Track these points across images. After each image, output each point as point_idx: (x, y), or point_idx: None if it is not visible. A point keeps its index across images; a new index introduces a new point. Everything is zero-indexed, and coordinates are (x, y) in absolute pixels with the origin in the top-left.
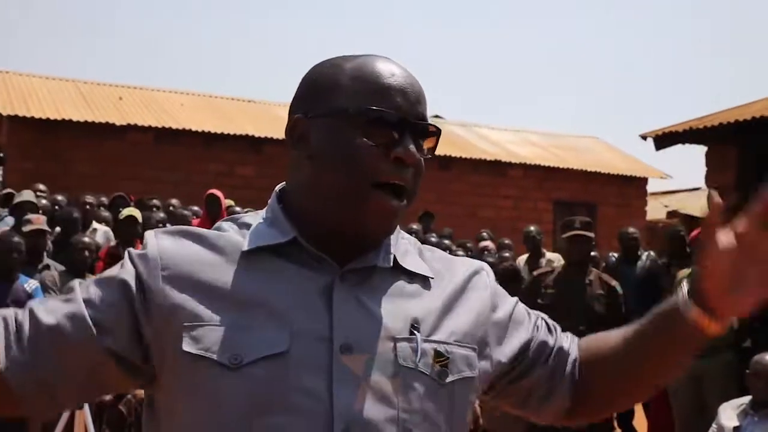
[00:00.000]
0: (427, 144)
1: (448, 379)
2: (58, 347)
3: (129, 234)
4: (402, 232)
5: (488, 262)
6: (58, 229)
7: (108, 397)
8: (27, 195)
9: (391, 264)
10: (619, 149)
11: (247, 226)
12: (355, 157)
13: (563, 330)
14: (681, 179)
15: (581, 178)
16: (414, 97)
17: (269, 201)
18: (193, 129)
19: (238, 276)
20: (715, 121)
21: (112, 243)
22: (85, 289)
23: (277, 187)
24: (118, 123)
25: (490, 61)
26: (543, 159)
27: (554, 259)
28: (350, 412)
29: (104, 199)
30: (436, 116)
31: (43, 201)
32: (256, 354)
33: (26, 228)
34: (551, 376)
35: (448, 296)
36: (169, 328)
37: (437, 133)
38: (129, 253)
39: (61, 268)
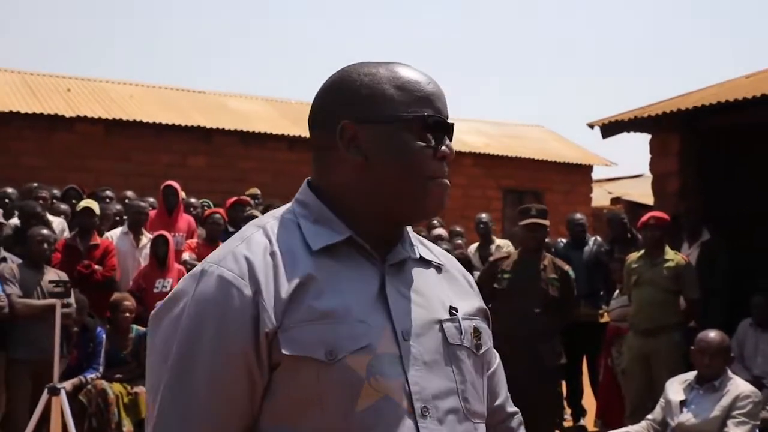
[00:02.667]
0: None
1: (481, 351)
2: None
3: (86, 225)
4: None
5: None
6: (12, 221)
7: (68, 388)
8: None
9: (418, 255)
10: (564, 138)
11: (295, 224)
12: (413, 159)
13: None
14: (624, 167)
15: (529, 166)
16: (444, 101)
17: (303, 198)
18: (144, 120)
19: (309, 276)
20: (658, 110)
21: (67, 234)
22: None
23: (306, 184)
24: (67, 115)
25: (441, 50)
26: (492, 148)
27: (503, 245)
28: (423, 392)
29: (56, 191)
30: None
31: None
32: (348, 348)
33: None
34: None
35: (459, 281)
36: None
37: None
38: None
39: (18, 260)
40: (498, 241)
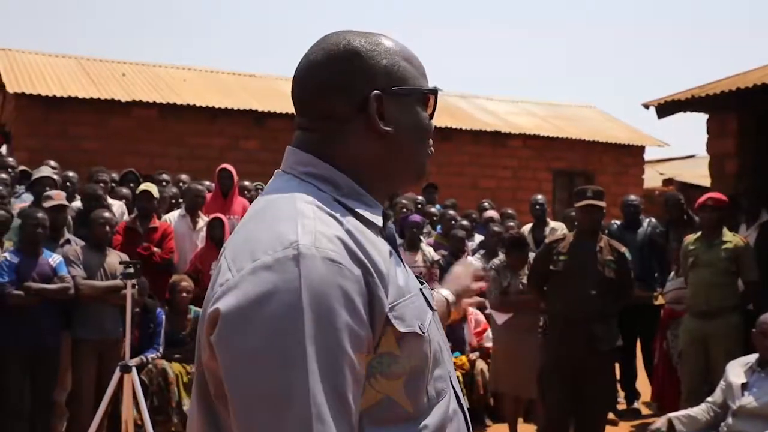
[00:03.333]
0: None
1: None
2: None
3: (146, 208)
4: None
5: (494, 231)
6: (75, 204)
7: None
8: (45, 170)
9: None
10: (616, 118)
11: (333, 199)
12: (426, 132)
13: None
14: (675, 148)
15: (580, 148)
16: None
17: (323, 173)
18: (197, 104)
19: (390, 252)
20: (716, 89)
21: (127, 218)
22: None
23: (312, 155)
24: (122, 99)
25: (487, 32)
26: (542, 129)
27: (557, 227)
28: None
29: (114, 175)
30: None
31: (54, 176)
32: (428, 319)
33: (47, 204)
34: None
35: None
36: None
37: None
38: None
39: (82, 243)
40: (552, 224)
